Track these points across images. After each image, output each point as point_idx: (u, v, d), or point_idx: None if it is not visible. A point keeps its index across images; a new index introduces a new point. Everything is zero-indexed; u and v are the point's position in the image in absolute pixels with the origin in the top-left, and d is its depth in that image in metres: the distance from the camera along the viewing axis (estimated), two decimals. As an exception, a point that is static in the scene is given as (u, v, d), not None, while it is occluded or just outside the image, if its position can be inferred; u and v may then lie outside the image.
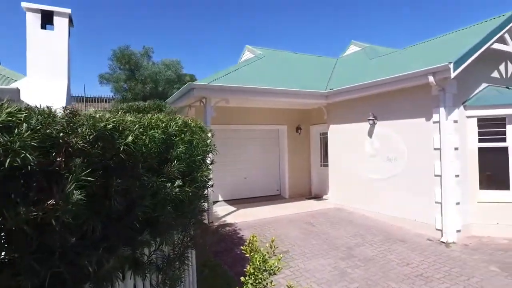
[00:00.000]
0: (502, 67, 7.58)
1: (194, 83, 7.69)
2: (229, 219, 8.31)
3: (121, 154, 1.94)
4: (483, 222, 6.61)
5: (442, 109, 6.33)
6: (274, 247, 2.79)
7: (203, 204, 3.90)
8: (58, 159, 1.54)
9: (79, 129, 1.69)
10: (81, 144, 1.63)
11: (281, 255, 2.75)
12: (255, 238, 2.69)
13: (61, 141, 1.58)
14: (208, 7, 54.72)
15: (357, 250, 5.90)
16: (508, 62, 7.66)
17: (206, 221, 7.94)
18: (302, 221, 8.01)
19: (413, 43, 9.66)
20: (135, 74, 23.26)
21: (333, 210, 9.10)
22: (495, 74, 7.43)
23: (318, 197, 11.17)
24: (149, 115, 2.79)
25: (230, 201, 10.65)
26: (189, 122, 3.31)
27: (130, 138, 2.02)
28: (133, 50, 23.24)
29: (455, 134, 6.42)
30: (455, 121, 6.44)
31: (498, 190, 6.77)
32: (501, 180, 6.86)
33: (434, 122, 6.53)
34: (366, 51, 11.75)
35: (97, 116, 1.80)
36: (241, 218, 8.37)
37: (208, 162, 4.47)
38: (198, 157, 3.14)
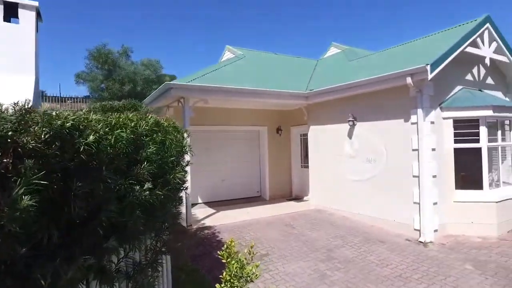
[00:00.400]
0: (475, 70, 7.78)
1: (171, 82, 7.50)
2: (208, 222, 8.14)
3: (82, 155, 1.78)
4: (458, 221, 6.74)
5: (419, 110, 6.42)
6: (253, 253, 2.68)
7: (178, 207, 3.75)
8: (5, 160, 1.37)
9: (32, 127, 1.53)
10: (34, 144, 1.47)
11: (258, 263, 2.63)
12: (232, 243, 2.57)
13: (9, 140, 1.41)
14: (189, 6, 54.21)
15: (337, 252, 5.87)
16: (480, 66, 7.87)
17: (184, 224, 7.75)
18: (282, 223, 7.94)
19: (391, 46, 9.81)
20: (112, 74, 22.66)
21: (314, 211, 9.08)
22: (468, 77, 7.62)
23: (298, 198, 11.15)
24: (117, 114, 2.63)
25: (209, 203, 10.47)
26: (162, 121, 3.16)
27: (91, 137, 1.86)
28: (110, 49, 22.62)
29: (432, 135, 6.52)
30: (432, 122, 6.53)
31: (473, 190, 6.92)
32: (475, 180, 7.02)
33: (412, 123, 6.61)
34: (346, 53, 11.85)
35: (54, 113, 1.64)
36: (220, 221, 8.22)
37: (184, 163, 4.33)
38: (171, 158, 3.00)
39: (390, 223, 7.09)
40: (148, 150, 2.60)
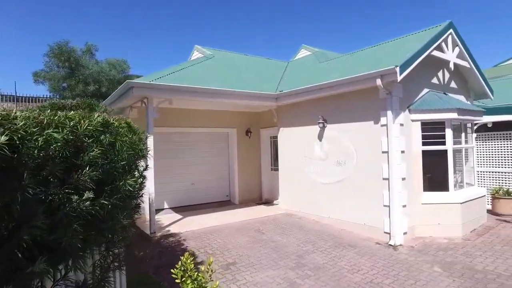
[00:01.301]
0: (440, 74, 7.91)
1: (133, 81, 7.01)
2: (174, 229, 7.69)
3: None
4: (426, 223, 6.76)
5: (389, 112, 6.38)
6: (212, 270, 2.35)
7: (132, 216, 3.35)
8: None
9: None
10: None
11: (217, 283, 2.30)
12: (188, 260, 2.23)
13: None
14: (158, 7, 53.01)
15: (308, 258, 5.66)
16: (445, 70, 8.02)
17: (148, 232, 7.27)
18: (251, 228, 7.65)
19: (360, 48, 9.85)
20: (75, 73, 21.46)
21: (284, 215, 8.88)
22: (434, 80, 7.73)
23: (268, 202, 10.92)
24: (49, 111, 2.24)
25: (176, 209, 10.00)
26: (112, 121, 2.78)
27: (3, 138, 1.49)
28: (73, 46, 21.41)
29: (402, 137, 6.51)
30: (401, 125, 6.52)
31: (439, 192, 6.99)
32: (441, 182, 7.10)
33: (382, 125, 6.56)
34: (317, 55, 11.82)
35: None
36: (187, 227, 7.81)
37: (142, 168, 3.93)
38: (122, 163, 2.62)
39: (360, 227, 7.00)
40: (91, 154, 2.23)
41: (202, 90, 7.76)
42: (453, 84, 8.35)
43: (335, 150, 7.73)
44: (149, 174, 7.17)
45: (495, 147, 9.04)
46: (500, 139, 8.95)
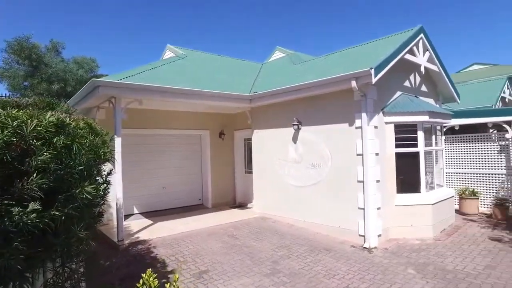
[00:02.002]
0: (412, 78, 8.05)
1: (99, 79, 6.58)
2: (143, 235, 7.31)
3: None
4: (399, 225, 6.81)
5: (364, 115, 6.37)
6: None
7: (93, 227, 3.05)
8: None
9: None
10: None
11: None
12: (151, 278, 1.98)
13: None
14: (132, 7, 51.53)
15: (283, 264, 5.50)
16: (416, 74, 8.18)
17: (115, 239, 6.85)
18: (224, 233, 7.41)
19: (333, 51, 9.89)
20: (38, 71, 20.28)
21: (258, 219, 8.70)
22: (407, 83, 7.86)
23: (242, 205, 10.71)
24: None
25: (147, 214, 9.56)
26: (68, 121, 2.47)
27: None
28: (35, 43, 20.21)
29: (376, 140, 6.51)
30: (376, 127, 6.53)
31: (412, 193, 7.07)
32: (413, 183, 7.19)
33: (357, 128, 6.54)
34: (291, 57, 11.77)
35: None
36: (157, 233, 7.44)
37: (105, 172, 3.61)
38: (80, 167, 2.33)
39: (335, 230, 6.94)
40: (40, 158, 1.93)
41: (173, 90, 7.44)
42: (423, 88, 8.53)
43: (310, 153, 7.65)
44: (117, 179, 6.77)
45: (461, 149, 9.34)
46: (466, 141, 9.26)
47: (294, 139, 8.08)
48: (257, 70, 12.17)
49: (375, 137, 6.50)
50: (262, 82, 9.93)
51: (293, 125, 7.89)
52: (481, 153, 8.95)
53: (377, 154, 6.52)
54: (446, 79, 8.77)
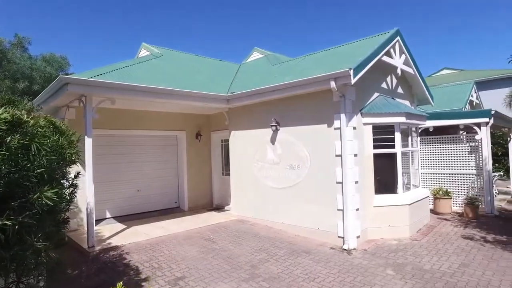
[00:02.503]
0: (388, 79, 8.16)
1: (68, 76, 6.21)
2: (116, 241, 6.95)
3: None
4: (377, 226, 6.85)
5: (343, 115, 6.35)
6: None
7: (55, 235, 2.79)
8: None
9: None
10: None
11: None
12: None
13: None
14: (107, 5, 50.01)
15: (262, 268, 5.36)
16: (393, 76, 8.31)
17: (85, 246, 6.48)
18: (201, 237, 7.19)
19: (311, 52, 9.90)
20: (1, 67, 19.14)
21: (236, 222, 8.52)
22: (384, 85, 7.95)
23: (220, 208, 10.50)
24: None
25: (120, 218, 9.16)
26: (26, 118, 2.22)
27: None
28: (-4, 37, 19.05)
29: (355, 141, 6.52)
30: (354, 128, 6.53)
31: (389, 194, 7.14)
32: (391, 184, 7.26)
33: (336, 129, 6.52)
34: (269, 58, 11.69)
35: None
36: (131, 238, 7.11)
37: (72, 175, 3.34)
38: (39, 170, 2.09)
39: (314, 232, 6.89)
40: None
41: (148, 90, 7.15)
42: (400, 90, 8.68)
43: (288, 154, 7.58)
44: (87, 182, 6.41)
45: (435, 150, 9.59)
46: (439, 143, 9.51)
47: (272, 140, 7.98)
48: (235, 71, 12.01)
49: (354, 138, 6.50)
50: (239, 83, 9.78)
51: (271, 126, 7.79)
52: (453, 154, 9.23)
53: (355, 155, 6.53)
54: (421, 82, 8.96)
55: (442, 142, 9.45)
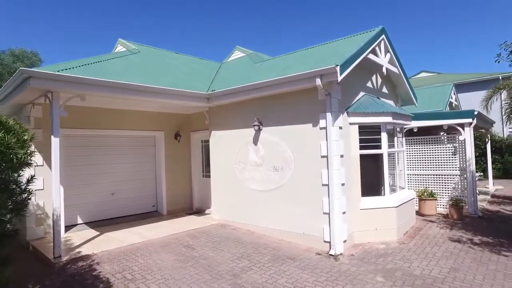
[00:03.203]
0: (374, 79, 7.99)
1: (31, 69, 5.63)
2: (86, 249, 6.40)
3: None
4: (364, 229, 6.61)
5: (328, 115, 6.07)
6: None
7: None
8: None
9: None
10: None
11: None
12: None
13: None
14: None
15: (244, 277, 4.98)
16: (378, 75, 8.14)
17: (50, 256, 5.91)
18: (180, 243, 6.74)
19: (294, 50, 9.61)
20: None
21: (217, 226, 8.11)
22: (369, 84, 7.76)
23: (200, 212, 10.05)
24: None
25: (93, 223, 8.57)
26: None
27: None
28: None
29: (341, 141, 6.25)
30: (340, 128, 6.27)
31: (376, 196, 6.92)
32: (377, 186, 7.06)
33: (321, 128, 6.23)
34: (251, 56, 11.34)
35: None
36: (103, 246, 6.58)
37: (25, 179, 2.87)
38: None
39: (299, 236, 6.57)
40: None
41: (122, 86, 6.65)
42: (384, 89, 8.53)
43: (271, 155, 7.24)
44: (54, 185, 5.86)
45: (418, 151, 9.50)
46: (423, 143, 9.43)
47: (255, 141, 7.63)
48: (216, 69, 11.60)
49: (340, 138, 6.24)
50: (221, 81, 9.38)
51: (254, 125, 7.44)
52: (437, 155, 9.16)
53: (342, 156, 6.26)
54: (405, 82, 8.85)
55: (426, 143, 9.39)
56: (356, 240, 6.56)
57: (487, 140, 12.45)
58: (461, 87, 20.67)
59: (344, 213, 6.18)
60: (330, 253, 5.94)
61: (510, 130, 23.18)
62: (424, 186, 9.30)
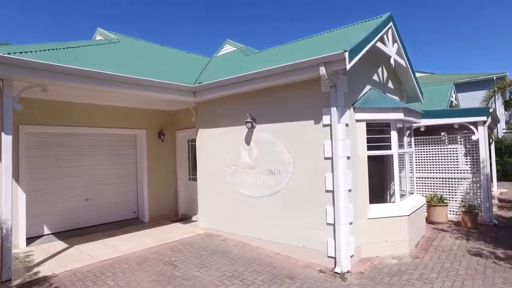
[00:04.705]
0: (380, 71, 7.18)
1: (-23, 51, 4.64)
2: (48, 268, 5.40)
3: None
4: (373, 241, 5.77)
5: (334, 110, 5.21)
6: None
7: None
8: None
9: None
10: None
11: None
12: None
13: None
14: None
15: (237, 306, 4.09)
16: (384, 68, 7.35)
17: None
18: (160, 259, 5.79)
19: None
20: None
21: (204, 237, 7.19)
22: (375, 77, 6.94)
23: (186, 218, 9.10)
24: None
25: (63, 234, 7.57)
26: None
27: None
28: None
29: (347, 140, 5.40)
30: (347, 125, 5.42)
31: (386, 204, 6.11)
32: (386, 192, 6.24)
33: (325, 126, 5.37)
34: (243, 50, 10.44)
35: None
36: (70, 263, 5.60)
37: None
38: None
39: (298, 250, 5.70)
40: None
41: (94, 75, 5.68)
42: (390, 84, 7.74)
43: (266, 156, 6.36)
44: (4, 192, 4.85)
45: (425, 152, 8.73)
46: (431, 144, 8.66)
47: (247, 140, 6.75)
48: (204, 64, 10.66)
49: (347, 137, 5.38)
50: (209, 74, 8.44)
51: (246, 122, 6.55)
52: (446, 156, 8.38)
53: (348, 157, 5.41)
54: (412, 76, 8.08)
55: (434, 143, 8.61)
56: (364, 254, 5.72)
57: (491, 140, 11.79)
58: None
59: (351, 223, 5.32)
60: (336, 270, 5.08)
61: (504, 130, 22.82)
62: (431, 190, 8.52)
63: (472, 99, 18.11)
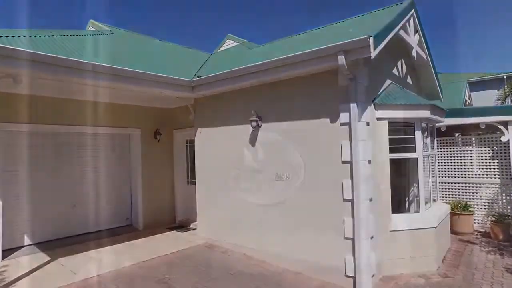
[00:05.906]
0: (399, 65, 6.45)
1: None
2: None
3: None
4: (395, 257, 5.03)
5: (353, 106, 4.48)
6: None
7: None
8: None
9: None
10: None
11: None
12: None
13: None
14: (62, -8, 45.95)
15: None
16: (403, 61, 6.62)
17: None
18: (153, 276, 5.06)
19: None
20: None
21: (203, 248, 6.46)
22: (395, 71, 6.21)
23: (184, 225, 8.38)
24: None
25: (46, 244, 6.85)
26: None
27: None
28: None
29: (369, 142, 4.66)
30: (368, 124, 4.68)
31: (409, 214, 5.38)
32: (407, 200, 5.50)
33: (342, 124, 4.64)
34: (245, 44, 9.74)
35: None
36: (46, 283, 4.88)
37: None
38: None
39: (311, 267, 4.95)
40: None
41: (79, 66, 4.95)
42: (409, 79, 7.01)
43: (274, 159, 5.63)
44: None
45: (447, 154, 7.96)
46: (453, 145, 7.88)
47: (252, 141, 6.02)
48: (204, 59, 9.92)
49: (368, 138, 4.65)
50: (210, 69, 7.70)
51: (251, 121, 5.82)
52: (471, 159, 7.60)
53: (369, 161, 4.67)
54: (432, 71, 7.35)
55: (457, 145, 7.83)
56: (385, 272, 4.97)
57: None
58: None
59: (372, 237, 4.59)
60: (356, 294, 4.35)
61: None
62: (452, 196, 7.76)
63: (484, 98, 17.37)
